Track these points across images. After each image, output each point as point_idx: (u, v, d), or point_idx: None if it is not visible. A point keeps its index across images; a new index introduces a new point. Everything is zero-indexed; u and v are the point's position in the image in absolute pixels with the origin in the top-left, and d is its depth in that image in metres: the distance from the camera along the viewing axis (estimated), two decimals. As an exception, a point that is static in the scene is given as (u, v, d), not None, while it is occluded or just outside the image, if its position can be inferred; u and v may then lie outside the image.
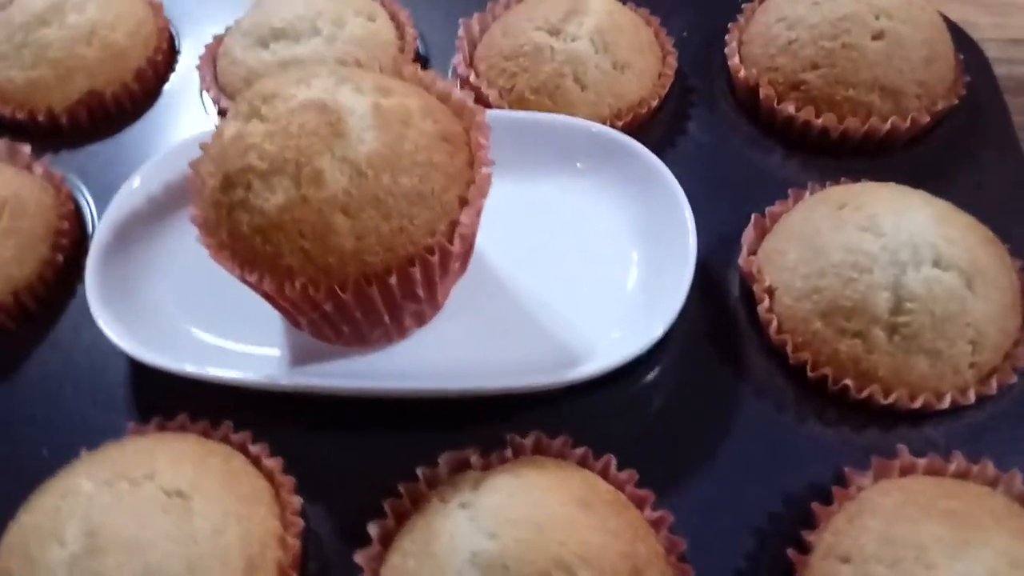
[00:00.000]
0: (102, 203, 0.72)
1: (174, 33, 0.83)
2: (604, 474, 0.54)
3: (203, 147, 0.57)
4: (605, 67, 0.71)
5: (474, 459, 0.55)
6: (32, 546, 0.49)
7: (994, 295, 0.56)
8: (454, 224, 0.52)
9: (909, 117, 0.67)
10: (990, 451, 0.53)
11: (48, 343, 0.65)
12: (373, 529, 0.52)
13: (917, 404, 0.54)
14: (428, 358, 0.59)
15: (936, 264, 0.55)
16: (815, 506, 0.51)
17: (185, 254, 0.65)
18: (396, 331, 0.59)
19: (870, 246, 0.56)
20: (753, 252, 0.63)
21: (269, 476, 0.55)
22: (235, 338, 0.62)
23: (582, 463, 0.55)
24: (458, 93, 0.57)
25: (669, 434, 0.58)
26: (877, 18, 0.67)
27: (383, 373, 0.58)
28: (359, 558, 0.51)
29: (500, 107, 0.70)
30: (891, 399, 0.55)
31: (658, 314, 0.57)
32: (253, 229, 0.50)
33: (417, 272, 0.51)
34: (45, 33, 0.75)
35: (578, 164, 0.64)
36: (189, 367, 0.58)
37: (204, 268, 0.61)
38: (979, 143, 0.70)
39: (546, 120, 0.65)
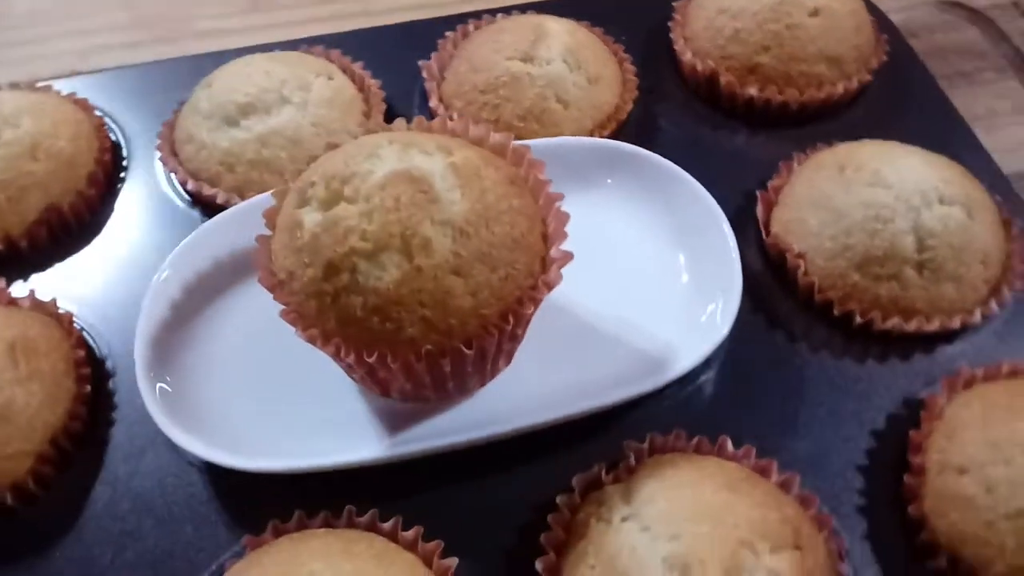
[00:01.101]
0: (98, 321, 0.67)
1: (110, 128, 0.78)
2: (722, 454, 0.58)
3: (264, 240, 0.55)
4: (581, 83, 0.74)
5: (604, 476, 0.57)
6: None
7: (987, 218, 0.65)
8: (544, 261, 0.54)
9: (855, 79, 0.76)
10: (1020, 346, 0.63)
11: (105, 480, 0.60)
12: (540, 565, 0.53)
13: (956, 324, 0.63)
14: (522, 393, 0.60)
15: (942, 202, 0.63)
16: (912, 433, 0.58)
17: (233, 345, 0.63)
18: (491, 375, 0.60)
19: (884, 198, 0.63)
20: (767, 225, 0.69)
21: (412, 547, 0.55)
22: (315, 419, 0.60)
23: (698, 450, 0.58)
24: (495, 136, 0.58)
25: (747, 406, 0.63)
26: (810, -4, 0.75)
27: (487, 419, 0.59)
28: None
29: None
30: (934, 325, 0.62)
31: (722, 300, 0.61)
32: (369, 310, 0.50)
33: (531, 312, 0.53)
34: (-13, 155, 0.69)
35: (608, 180, 0.67)
36: (297, 462, 0.56)
37: (257, 355, 0.61)
38: (907, 89, 0.80)
39: (576, 143, 0.68)
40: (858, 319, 0.64)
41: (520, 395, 0.60)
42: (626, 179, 0.67)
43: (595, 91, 0.75)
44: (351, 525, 0.56)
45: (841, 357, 0.65)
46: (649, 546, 0.50)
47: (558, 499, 0.56)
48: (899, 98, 0.79)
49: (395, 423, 0.60)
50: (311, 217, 0.51)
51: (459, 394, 0.60)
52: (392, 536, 0.55)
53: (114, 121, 0.79)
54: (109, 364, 0.65)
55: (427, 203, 0.50)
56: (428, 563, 0.54)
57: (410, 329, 0.50)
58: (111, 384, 0.64)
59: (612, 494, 0.55)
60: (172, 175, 0.73)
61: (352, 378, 0.60)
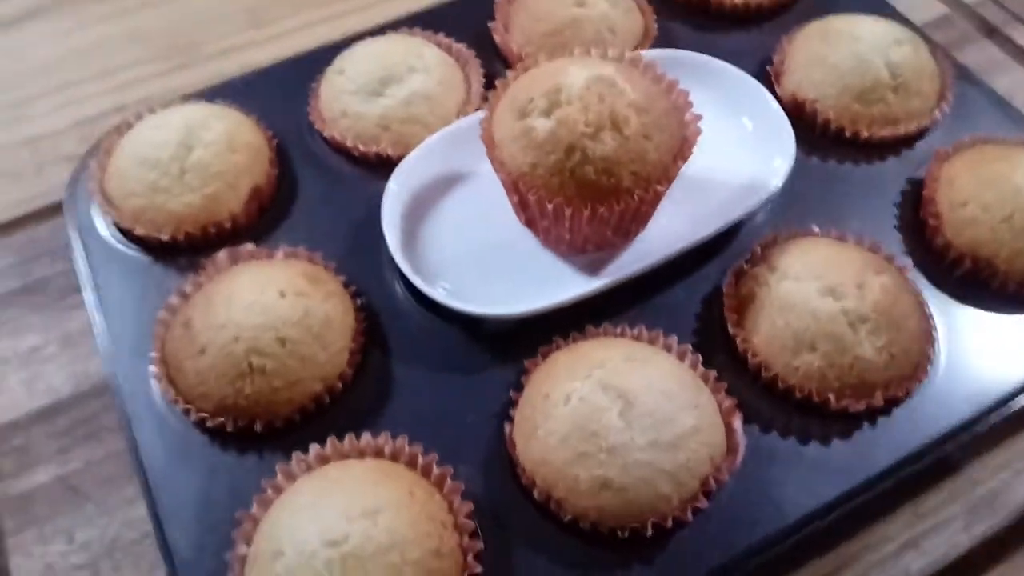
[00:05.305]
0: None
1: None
2: (812, 234, 0.85)
3: (491, 154, 0.76)
4: (620, 15, 0.99)
5: (745, 266, 0.82)
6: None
7: (923, 50, 0.95)
8: (682, 122, 0.79)
9: (804, -24, 1.05)
10: (968, 127, 0.93)
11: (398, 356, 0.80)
12: (730, 322, 0.79)
13: (927, 123, 0.92)
14: (670, 227, 0.84)
15: (898, 44, 0.92)
16: (924, 192, 0.87)
17: (462, 234, 0.85)
18: (646, 223, 0.83)
19: (862, 48, 0.92)
20: (780, 84, 0.96)
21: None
22: (541, 276, 0.83)
23: (794, 237, 0.85)
24: (612, 52, 0.82)
25: (808, 207, 0.89)
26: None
27: (657, 248, 0.82)
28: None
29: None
30: (913, 127, 0.92)
31: (780, 140, 0.88)
32: (599, 172, 0.73)
33: (689, 154, 0.77)
34: (199, 155, 0.85)
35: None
36: (545, 302, 0.78)
37: (481, 237, 0.85)
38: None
39: (655, 55, 0.92)
40: (864, 135, 0.92)
41: (667, 232, 0.84)
42: (683, 76, 0.91)
43: (630, 19, 1.00)
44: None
45: (858, 163, 0.93)
46: (804, 286, 0.76)
47: (724, 286, 0.81)
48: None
49: (594, 267, 0.83)
50: (540, 122, 0.73)
51: (634, 236, 0.83)
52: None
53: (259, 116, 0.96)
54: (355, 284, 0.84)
55: (617, 94, 0.74)
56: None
57: (626, 181, 0.74)
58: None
59: (761, 271, 0.81)
60: (342, 142, 0.91)
61: (559, 250, 0.83)
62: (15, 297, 0.91)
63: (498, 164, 0.76)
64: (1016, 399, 0.78)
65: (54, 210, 0.96)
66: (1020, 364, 0.79)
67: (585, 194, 0.74)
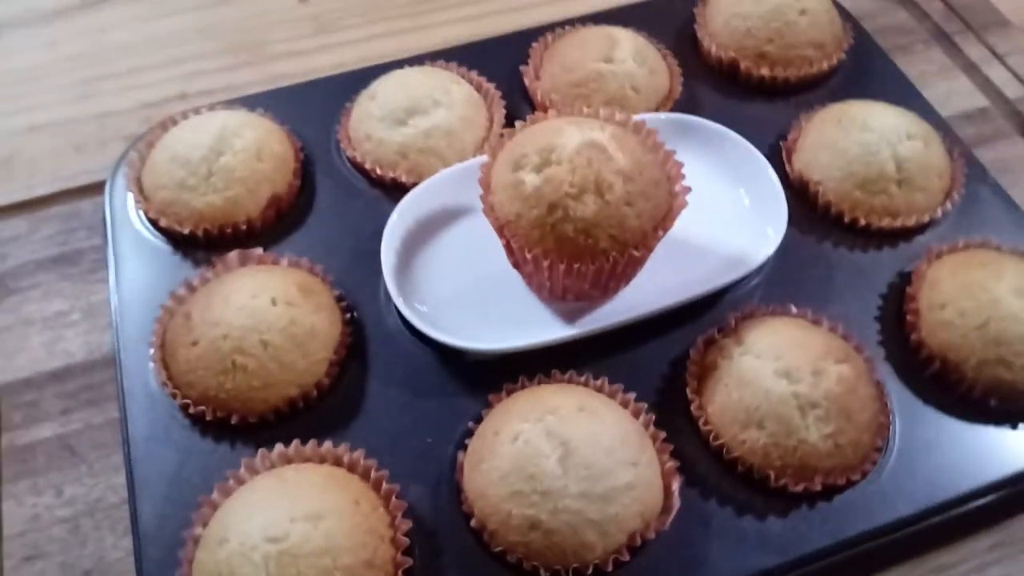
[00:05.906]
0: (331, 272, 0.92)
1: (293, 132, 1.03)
2: (788, 314, 0.87)
3: (485, 199, 0.81)
4: (645, 75, 1.02)
5: (716, 335, 0.86)
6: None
7: (937, 147, 0.96)
8: (671, 192, 0.82)
9: (834, 57, 1.06)
10: (968, 229, 0.94)
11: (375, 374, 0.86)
12: (690, 389, 0.82)
13: (926, 219, 0.94)
14: (651, 289, 0.88)
15: (909, 138, 0.94)
16: (908, 289, 0.88)
17: (454, 268, 0.90)
18: (633, 277, 0.87)
19: (872, 138, 0.93)
20: (790, 165, 0.99)
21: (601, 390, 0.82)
22: (525, 316, 0.87)
23: (772, 314, 0.88)
24: (619, 115, 0.86)
25: (795, 287, 0.92)
26: (798, 1, 1.05)
27: (634, 306, 0.86)
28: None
29: (586, 120, 0.99)
30: (912, 221, 0.93)
31: (775, 217, 0.91)
32: (577, 231, 0.77)
33: (671, 226, 0.81)
34: (226, 160, 0.93)
35: (679, 142, 0.93)
36: (519, 342, 0.83)
37: (470, 273, 0.89)
38: (867, 61, 1.11)
39: (659, 118, 0.96)
40: (862, 222, 0.94)
41: (650, 291, 0.88)
42: (692, 141, 0.95)
43: (655, 80, 1.03)
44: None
45: (853, 249, 0.95)
46: (763, 365, 0.79)
47: (691, 351, 0.85)
48: (863, 68, 1.10)
49: (572, 315, 0.87)
50: (530, 177, 0.78)
51: (613, 293, 0.87)
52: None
53: (292, 128, 1.03)
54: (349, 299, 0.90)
55: (606, 160, 0.78)
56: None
57: (603, 242, 0.78)
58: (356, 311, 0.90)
59: (728, 343, 0.84)
60: (362, 164, 0.97)
61: (541, 295, 0.87)
62: (52, 264, 1.00)
63: (488, 208, 0.81)
64: (961, 506, 0.79)
65: (100, 187, 1.04)
66: (971, 472, 0.80)
67: (563, 249, 0.78)
